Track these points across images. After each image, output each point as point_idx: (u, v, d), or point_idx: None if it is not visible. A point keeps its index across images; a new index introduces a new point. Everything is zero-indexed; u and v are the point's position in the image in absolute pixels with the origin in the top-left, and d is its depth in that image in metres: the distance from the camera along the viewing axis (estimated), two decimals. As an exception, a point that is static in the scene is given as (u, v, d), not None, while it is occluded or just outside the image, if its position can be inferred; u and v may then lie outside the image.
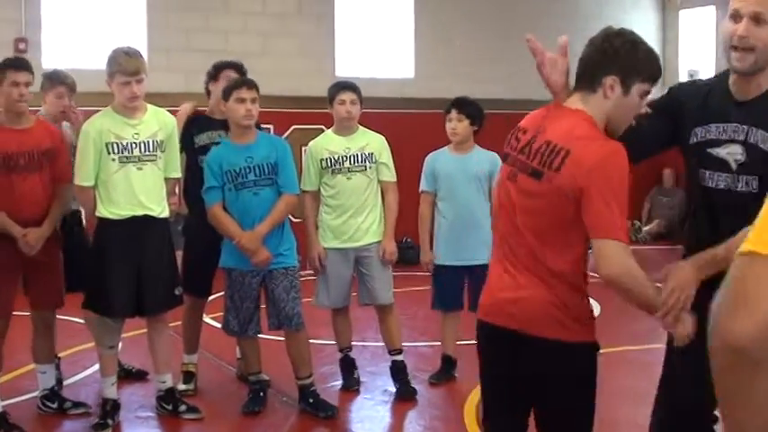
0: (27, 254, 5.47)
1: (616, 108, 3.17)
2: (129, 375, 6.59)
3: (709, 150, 3.28)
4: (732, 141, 3.23)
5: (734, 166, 3.23)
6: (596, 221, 3.04)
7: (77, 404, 5.94)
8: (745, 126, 3.21)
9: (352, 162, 6.16)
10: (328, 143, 6.26)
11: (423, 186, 6.55)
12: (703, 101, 3.35)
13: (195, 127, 6.27)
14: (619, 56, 3.14)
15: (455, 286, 6.45)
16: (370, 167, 6.19)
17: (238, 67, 6.40)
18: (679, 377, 3.52)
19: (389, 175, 6.29)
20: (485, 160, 6.39)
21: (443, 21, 13.24)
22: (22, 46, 10.78)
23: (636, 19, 15.42)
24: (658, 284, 3.15)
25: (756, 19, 3.11)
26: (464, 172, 6.41)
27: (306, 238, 6.24)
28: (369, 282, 6.22)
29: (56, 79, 6.19)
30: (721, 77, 3.32)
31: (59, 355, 6.37)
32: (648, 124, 3.47)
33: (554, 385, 3.31)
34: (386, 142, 6.34)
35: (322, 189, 6.24)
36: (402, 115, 12.39)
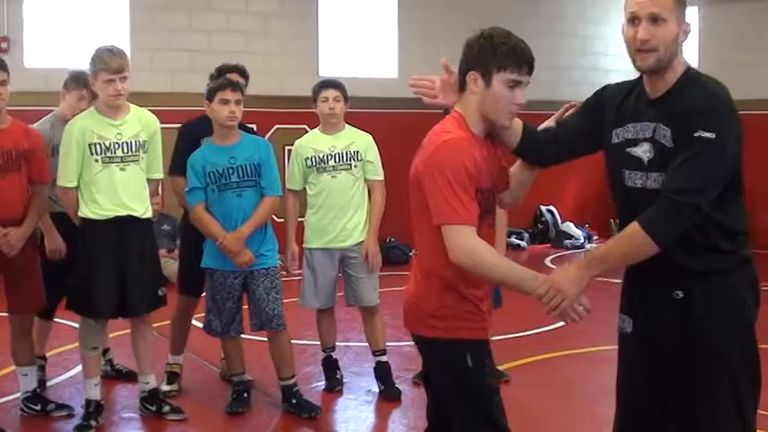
0: (7, 254, 5.44)
1: (483, 102, 3.28)
2: (120, 376, 6.57)
3: (627, 150, 3.31)
4: (645, 140, 3.26)
5: (646, 164, 3.26)
6: (434, 209, 3.19)
7: (60, 406, 5.91)
8: (652, 123, 3.24)
9: (337, 160, 6.15)
10: (313, 141, 6.25)
11: None
12: (623, 101, 3.37)
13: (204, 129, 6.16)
14: (474, 51, 3.28)
15: None
16: (355, 166, 6.19)
17: (241, 71, 6.33)
18: (630, 379, 3.56)
19: (376, 173, 6.28)
20: None
21: (427, 21, 13.26)
22: (4, 45, 10.74)
23: (619, 20, 15.46)
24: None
25: (654, 19, 3.17)
26: None
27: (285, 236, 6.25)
28: (354, 283, 6.22)
29: (81, 82, 6.06)
30: (642, 76, 3.35)
31: (46, 355, 6.36)
32: (572, 124, 3.55)
33: (433, 382, 3.52)
34: (373, 141, 6.33)
35: (307, 188, 6.23)
36: (386, 115, 12.40)
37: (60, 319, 6.48)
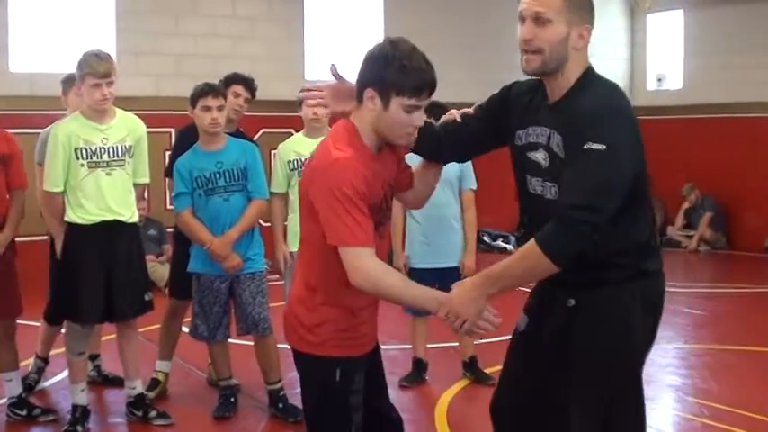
0: None
1: (380, 121, 3.16)
2: (106, 381, 6.55)
3: (528, 154, 3.22)
4: (541, 146, 3.18)
5: (544, 170, 3.18)
6: (330, 230, 3.09)
7: (46, 411, 5.89)
8: (548, 130, 3.14)
9: None
10: (296, 145, 6.23)
11: None
12: (529, 102, 3.26)
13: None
14: (374, 67, 3.13)
15: None
16: None
17: (247, 83, 6.29)
18: (503, 376, 3.60)
19: None
20: (454, 162, 6.37)
21: (413, 25, 13.26)
22: (-12, 49, 10.69)
23: (604, 24, 15.51)
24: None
25: (538, 19, 3.06)
26: None
27: (273, 240, 6.23)
28: None
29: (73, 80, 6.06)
30: None
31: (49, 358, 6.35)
32: (472, 121, 3.44)
33: (302, 393, 3.54)
34: None
35: (290, 192, 6.22)
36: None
37: (35, 321, 6.44)
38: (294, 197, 6.20)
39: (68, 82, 6.19)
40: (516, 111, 3.30)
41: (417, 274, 6.39)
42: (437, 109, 6.45)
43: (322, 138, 6.14)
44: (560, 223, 3.00)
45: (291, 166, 6.15)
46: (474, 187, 6.62)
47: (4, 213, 5.59)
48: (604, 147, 2.92)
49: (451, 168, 6.29)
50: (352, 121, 3.24)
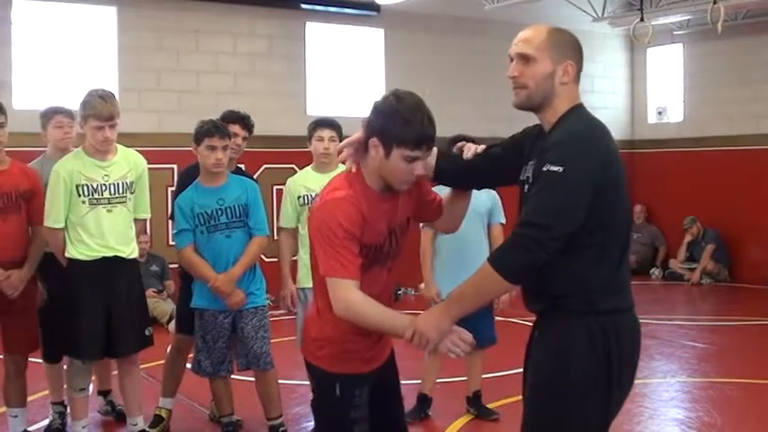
0: (10, 296, 5.45)
1: (382, 168, 3.40)
2: (120, 418, 6.43)
3: (524, 187, 3.32)
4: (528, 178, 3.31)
5: None
6: (320, 261, 3.38)
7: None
8: (533, 161, 3.25)
9: None
10: (306, 180, 6.22)
11: None
12: (535, 137, 3.40)
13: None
14: (379, 119, 3.37)
15: None
16: None
17: (244, 122, 6.28)
18: None
19: None
20: (485, 196, 6.37)
21: (413, 61, 13.35)
22: (-7, 87, 10.74)
23: (605, 57, 15.61)
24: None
25: (523, 58, 3.25)
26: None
27: (280, 276, 6.21)
28: None
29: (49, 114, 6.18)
30: None
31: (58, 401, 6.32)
32: (494, 154, 3.57)
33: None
34: None
35: (300, 227, 6.20)
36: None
37: (36, 358, 6.42)
38: (304, 232, 6.15)
39: (46, 116, 6.23)
40: (526, 146, 3.42)
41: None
42: (462, 141, 6.51)
43: (332, 172, 6.20)
44: (509, 240, 3.12)
45: (301, 201, 6.13)
46: (503, 221, 6.58)
47: (26, 249, 5.61)
48: (561, 169, 3.02)
49: (481, 201, 6.26)
50: (359, 169, 3.48)
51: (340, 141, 6.15)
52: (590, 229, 3.08)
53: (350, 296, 3.31)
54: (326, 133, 6.17)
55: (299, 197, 6.16)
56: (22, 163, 5.81)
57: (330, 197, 3.38)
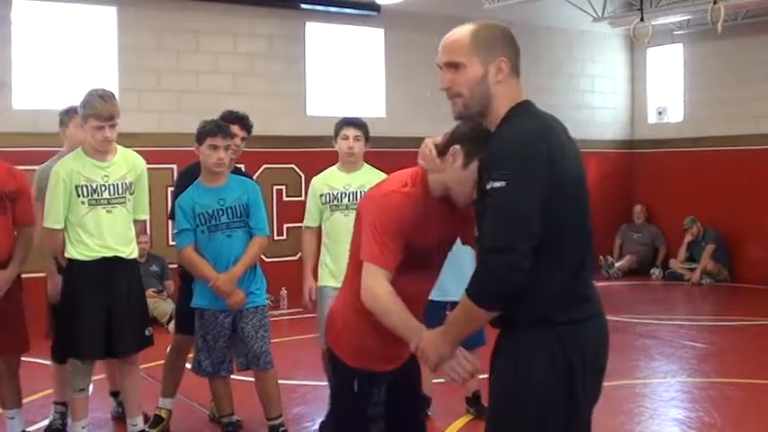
0: None
1: (452, 177, 3.37)
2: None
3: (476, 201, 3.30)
4: None
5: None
6: (363, 245, 3.43)
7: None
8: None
9: (350, 199, 6.02)
10: (330, 179, 6.19)
11: None
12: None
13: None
14: (470, 130, 3.28)
15: (439, 323, 6.38)
16: None
17: (243, 123, 6.26)
18: None
19: None
20: None
21: (413, 61, 13.34)
22: (-8, 86, 10.74)
23: (605, 57, 15.61)
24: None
25: (451, 65, 3.15)
26: None
27: (301, 273, 6.18)
28: None
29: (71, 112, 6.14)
30: None
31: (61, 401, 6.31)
32: None
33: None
34: None
35: (323, 226, 6.16)
36: (374, 153, 12.40)
37: (34, 358, 6.43)
38: (329, 229, 6.11)
39: (68, 113, 6.20)
40: None
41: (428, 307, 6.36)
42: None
43: (356, 172, 6.18)
44: (479, 268, 3.00)
45: (324, 199, 6.10)
46: None
47: (11, 250, 5.59)
48: (504, 184, 2.90)
49: None
50: (423, 168, 3.49)
51: (366, 141, 6.15)
52: (544, 234, 2.94)
53: (379, 285, 3.35)
54: (351, 132, 6.14)
55: (321, 195, 6.12)
56: (9, 163, 5.77)
57: (395, 189, 3.46)
